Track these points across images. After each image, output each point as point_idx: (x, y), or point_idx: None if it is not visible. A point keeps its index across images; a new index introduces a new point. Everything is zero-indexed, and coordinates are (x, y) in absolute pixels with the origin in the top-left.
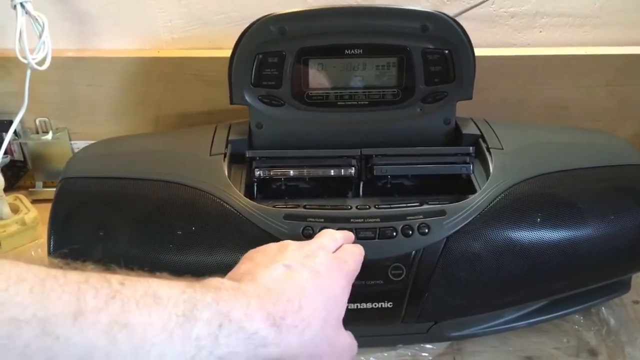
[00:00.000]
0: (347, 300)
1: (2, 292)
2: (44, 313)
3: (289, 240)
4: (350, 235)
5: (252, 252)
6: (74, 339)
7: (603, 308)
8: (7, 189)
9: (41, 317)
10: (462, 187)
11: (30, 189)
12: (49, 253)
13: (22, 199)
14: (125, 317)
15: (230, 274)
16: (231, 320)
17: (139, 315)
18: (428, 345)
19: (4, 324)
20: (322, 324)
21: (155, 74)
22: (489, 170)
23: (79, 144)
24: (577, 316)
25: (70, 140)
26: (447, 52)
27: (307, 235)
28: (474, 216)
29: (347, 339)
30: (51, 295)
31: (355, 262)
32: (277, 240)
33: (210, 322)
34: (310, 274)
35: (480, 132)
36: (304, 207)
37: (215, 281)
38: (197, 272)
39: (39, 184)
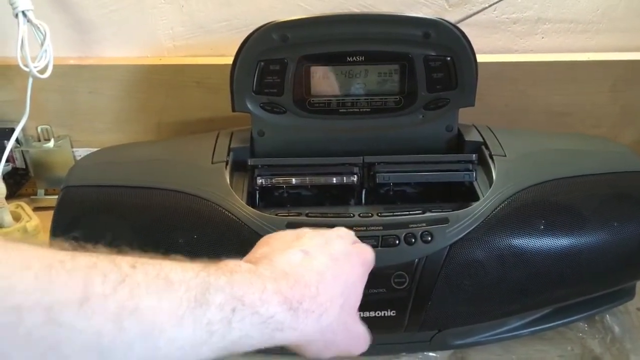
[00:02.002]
0: (363, 289)
1: (5, 280)
2: (49, 300)
3: (305, 228)
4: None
5: (268, 237)
6: (80, 325)
7: (607, 315)
8: (9, 196)
9: (45, 304)
10: (465, 195)
11: (32, 197)
12: None
13: (24, 207)
14: (134, 302)
15: (247, 257)
16: (245, 305)
17: (148, 300)
18: (431, 354)
19: (7, 311)
20: (340, 310)
21: (157, 81)
22: (492, 177)
23: (80, 152)
24: (581, 324)
25: (72, 147)
26: (449, 59)
27: None
28: (477, 224)
29: (362, 327)
30: (57, 282)
31: (371, 254)
32: None
33: (223, 307)
34: (329, 260)
35: (483, 139)
36: (306, 215)
37: (231, 264)
38: None
39: (41, 191)
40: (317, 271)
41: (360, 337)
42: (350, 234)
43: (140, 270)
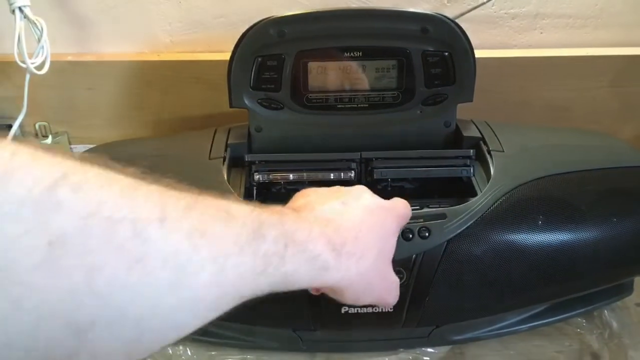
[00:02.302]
0: (395, 243)
1: (98, 191)
2: (134, 216)
3: (338, 186)
4: None
5: (305, 191)
6: (160, 242)
7: (606, 311)
8: None
9: (132, 219)
10: (463, 190)
11: None
12: None
13: None
14: (203, 227)
15: (286, 206)
16: (295, 241)
17: (214, 226)
18: (430, 350)
19: (102, 222)
20: (377, 256)
21: (155, 77)
22: (490, 173)
23: (78, 148)
24: (579, 319)
25: (69, 144)
26: (447, 54)
27: None
28: (474, 219)
29: (396, 278)
30: (139, 200)
31: (404, 207)
32: None
33: (277, 241)
34: (364, 211)
35: (481, 134)
36: None
37: (277, 208)
38: None
39: None
40: (355, 219)
41: (394, 286)
42: None
43: (202, 202)
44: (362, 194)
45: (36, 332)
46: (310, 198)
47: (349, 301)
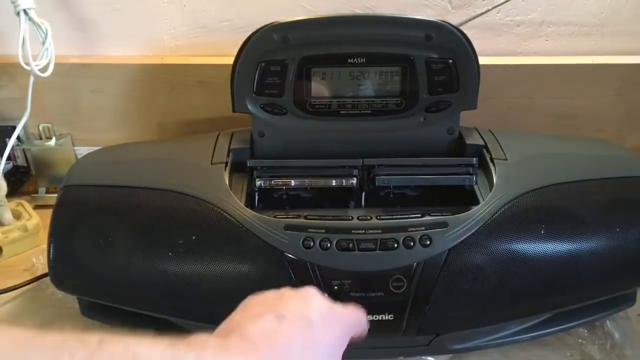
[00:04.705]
0: (342, 354)
1: None
2: None
3: (286, 288)
4: None
5: (248, 300)
6: None
7: (608, 321)
8: (10, 194)
9: None
10: (465, 198)
11: (33, 195)
12: (49, 261)
13: (25, 205)
14: None
15: (222, 324)
16: None
17: None
18: (430, 358)
19: None
20: None
21: (159, 80)
22: (493, 181)
23: (82, 150)
24: (581, 329)
25: (73, 146)
26: (451, 61)
27: (307, 246)
28: (476, 228)
29: None
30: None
31: (356, 317)
32: (277, 250)
33: None
34: (302, 325)
35: (484, 142)
36: (305, 217)
37: (201, 338)
38: (196, 282)
39: (42, 189)
40: (287, 340)
41: None
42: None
43: (106, 348)
44: (307, 300)
45: None
46: (248, 312)
47: None
